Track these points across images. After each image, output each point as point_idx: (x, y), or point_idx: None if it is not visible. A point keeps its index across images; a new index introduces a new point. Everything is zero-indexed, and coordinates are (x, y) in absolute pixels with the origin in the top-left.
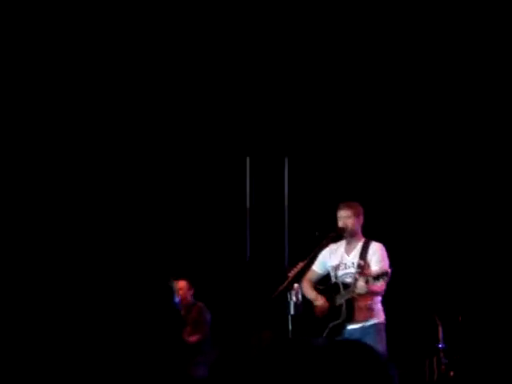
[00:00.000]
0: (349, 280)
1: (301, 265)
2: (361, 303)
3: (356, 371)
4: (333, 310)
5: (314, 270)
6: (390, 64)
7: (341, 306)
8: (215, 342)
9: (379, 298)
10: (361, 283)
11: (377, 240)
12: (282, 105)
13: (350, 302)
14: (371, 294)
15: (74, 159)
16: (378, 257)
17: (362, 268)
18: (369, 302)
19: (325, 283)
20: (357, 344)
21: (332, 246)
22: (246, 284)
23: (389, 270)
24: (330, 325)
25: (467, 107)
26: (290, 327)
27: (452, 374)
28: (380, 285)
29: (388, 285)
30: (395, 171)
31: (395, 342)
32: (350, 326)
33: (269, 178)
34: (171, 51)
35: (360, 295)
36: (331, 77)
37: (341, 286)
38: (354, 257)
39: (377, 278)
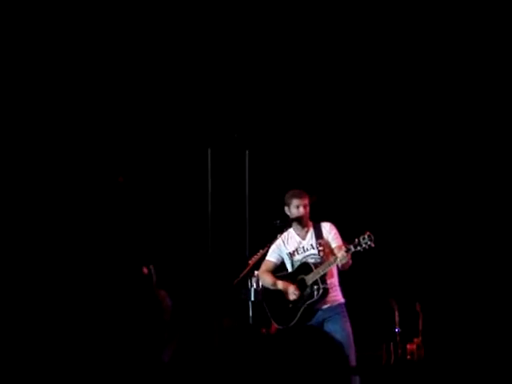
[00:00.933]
0: (312, 261)
1: (261, 252)
2: (333, 281)
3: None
4: (304, 292)
5: (269, 261)
6: (352, 52)
7: (312, 285)
8: (177, 328)
9: (337, 279)
10: (342, 252)
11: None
12: (244, 98)
13: (323, 282)
14: (345, 266)
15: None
16: (333, 234)
17: (324, 246)
18: (333, 281)
19: (279, 271)
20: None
21: (283, 235)
22: (207, 271)
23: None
24: (302, 308)
25: (451, 105)
26: (251, 313)
27: (409, 357)
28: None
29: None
30: (351, 164)
31: (352, 326)
32: (323, 306)
33: (230, 170)
34: (136, 44)
35: (343, 264)
36: (291, 70)
37: (312, 266)
38: (309, 239)
39: (349, 249)
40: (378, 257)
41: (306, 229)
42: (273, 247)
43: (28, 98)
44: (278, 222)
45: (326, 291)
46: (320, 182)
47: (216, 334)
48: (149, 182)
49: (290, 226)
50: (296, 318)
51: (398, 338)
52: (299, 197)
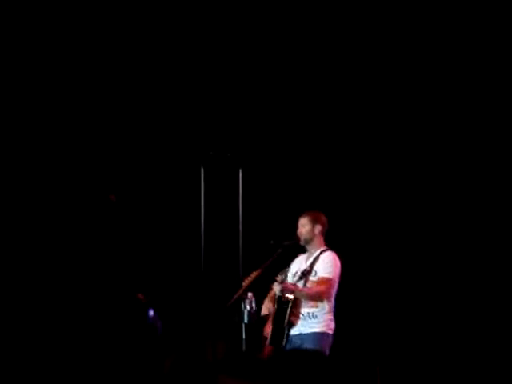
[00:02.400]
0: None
1: (255, 274)
2: (297, 310)
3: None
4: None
5: None
6: (343, 76)
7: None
8: (168, 351)
9: (326, 309)
10: (276, 283)
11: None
12: (237, 116)
13: (290, 307)
14: (307, 296)
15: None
16: (325, 264)
17: (306, 274)
18: (313, 312)
19: None
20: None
21: (300, 256)
22: (200, 293)
23: (321, 277)
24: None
25: (449, 108)
26: (244, 336)
27: None
28: (308, 289)
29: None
30: (347, 184)
31: (347, 348)
32: (292, 332)
33: (223, 189)
34: (128, 62)
35: (284, 296)
36: (284, 89)
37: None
38: (308, 264)
39: (299, 278)
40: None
41: (312, 253)
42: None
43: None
44: (272, 242)
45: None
46: (314, 200)
47: (209, 357)
48: (141, 200)
49: (284, 247)
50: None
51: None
52: (300, 216)
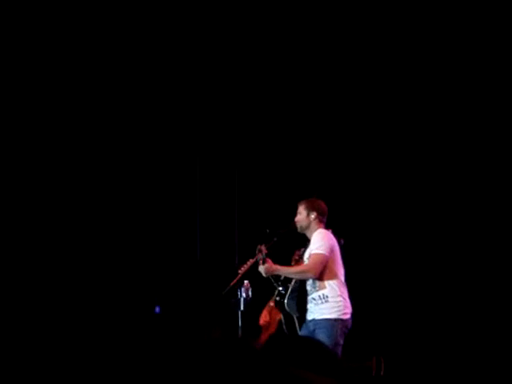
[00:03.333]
0: None
1: (251, 261)
2: (321, 294)
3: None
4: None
5: None
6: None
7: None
8: (165, 339)
9: (335, 289)
10: (259, 266)
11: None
12: (233, 120)
13: (291, 297)
14: (289, 273)
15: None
16: (315, 242)
17: (298, 259)
18: (324, 292)
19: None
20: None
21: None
22: (196, 281)
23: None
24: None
25: (447, 111)
26: (240, 323)
27: None
28: (292, 267)
29: None
30: (339, 185)
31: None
32: (309, 317)
33: (219, 177)
34: (125, 57)
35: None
36: (280, 91)
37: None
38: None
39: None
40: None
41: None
42: None
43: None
44: (268, 230)
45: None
46: (311, 188)
47: (205, 344)
48: (139, 190)
49: (280, 235)
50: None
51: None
52: (298, 203)
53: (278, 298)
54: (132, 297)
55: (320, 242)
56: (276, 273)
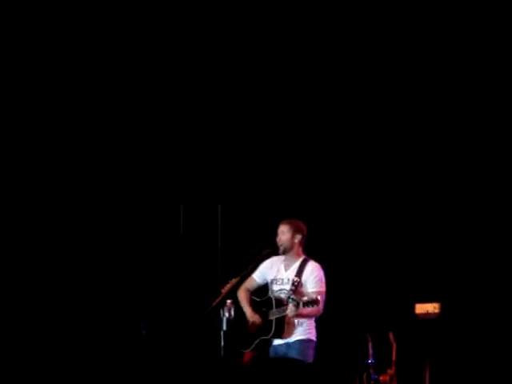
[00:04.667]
0: (283, 296)
1: (234, 281)
2: (291, 321)
3: None
4: (264, 325)
5: (253, 279)
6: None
7: (271, 321)
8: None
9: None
10: (291, 307)
11: (315, 259)
12: (215, 156)
13: (281, 320)
14: (304, 316)
15: None
16: (314, 278)
17: (296, 285)
18: (300, 320)
19: (262, 294)
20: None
21: (273, 258)
22: (179, 300)
23: (319, 297)
24: (258, 339)
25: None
26: (223, 343)
27: None
28: (311, 309)
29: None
30: (325, 195)
31: (326, 357)
32: (276, 342)
33: (202, 223)
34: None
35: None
36: (261, 124)
37: (274, 303)
38: (290, 273)
39: (307, 303)
40: (353, 288)
41: (292, 261)
42: (260, 267)
43: None
44: (252, 249)
45: (280, 332)
46: (292, 209)
47: (190, 364)
48: (122, 236)
49: (263, 255)
50: (250, 347)
51: (370, 370)
52: (281, 223)
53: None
54: (116, 317)
55: (322, 279)
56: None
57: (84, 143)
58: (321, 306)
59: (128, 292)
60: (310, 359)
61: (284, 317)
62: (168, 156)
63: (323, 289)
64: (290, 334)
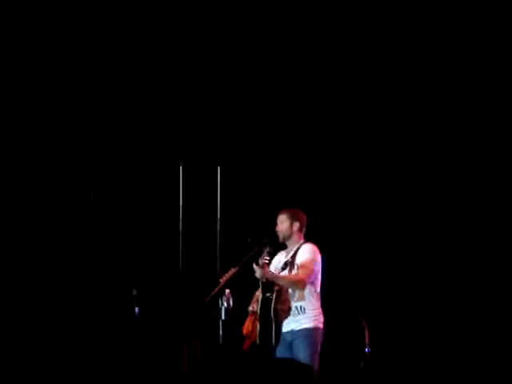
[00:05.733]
0: None
1: (232, 271)
2: (284, 306)
3: None
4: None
5: None
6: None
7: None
8: (146, 347)
9: (313, 301)
10: (255, 267)
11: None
12: (215, 115)
13: (275, 306)
14: (282, 281)
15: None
16: (303, 253)
17: (289, 265)
18: (303, 304)
19: None
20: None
21: (281, 252)
22: (178, 290)
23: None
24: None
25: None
26: (221, 332)
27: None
28: (288, 275)
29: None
30: (326, 182)
31: (323, 347)
32: (284, 329)
33: (201, 185)
34: (108, 54)
35: (267, 280)
36: (263, 86)
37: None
38: (287, 258)
39: (283, 268)
40: (350, 277)
41: (291, 247)
42: (272, 262)
43: None
44: (250, 239)
45: (271, 289)
46: (291, 198)
47: (186, 352)
48: (121, 198)
49: (261, 244)
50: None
51: (367, 358)
52: (279, 212)
53: (261, 307)
54: (114, 305)
55: (311, 255)
56: (270, 278)
57: (80, 102)
58: (302, 276)
59: (125, 279)
60: (317, 347)
61: (276, 300)
62: (168, 115)
63: (310, 262)
64: (298, 320)
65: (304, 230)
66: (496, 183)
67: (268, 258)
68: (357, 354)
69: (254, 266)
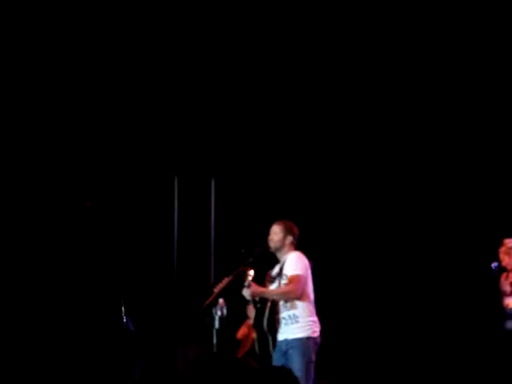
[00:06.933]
0: None
1: (226, 280)
2: (292, 314)
3: None
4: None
5: None
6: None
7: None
8: (140, 356)
9: (306, 310)
10: (244, 288)
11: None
12: (210, 128)
13: (270, 316)
14: (271, 295)
15: None
16: (290, 263)
17: (277, 277)
18: (295, 312)
19: None
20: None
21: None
22: (172, 299)
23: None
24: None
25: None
26: (215, 341)
27: None
28: (276, 288)
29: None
30: (317, 193)
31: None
32: (279, 337)
33: (196, 198)
34: (101, 65)
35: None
36: (256, 99)
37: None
38: (279, 270)
39: (271, 281)
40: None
41: (282, 259)
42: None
43: None
44: (243, 250)
45: (272, 327)
46: (284, 209)
47: (180, 361)
48: (116, 208)
49: (255, 255)
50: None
51: None
52: (274, 223)
53: (255, 317)
54: (109, 314)
55: (297, 263)
56: (260, 296)
57: (75, 115)
58: (291, 286)
59: (120, 288)
60: (311, 357)
61: (271, 311)
62: (163, 128)
63: (297, 272)
64: (291, 330)
65: (296, 243)
66: (481, 186)
67: (252, 274)
68: (353, 361)
69: (243, 291)
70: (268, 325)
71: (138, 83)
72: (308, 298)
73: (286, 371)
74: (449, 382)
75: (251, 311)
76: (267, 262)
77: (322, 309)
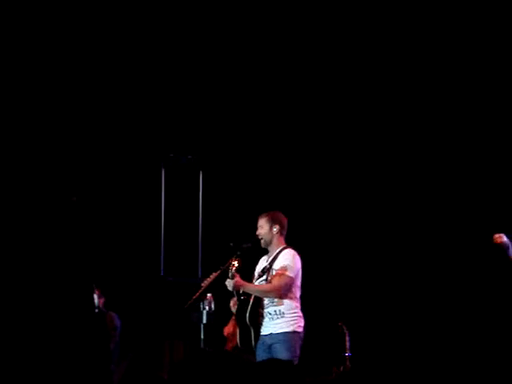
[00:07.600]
0: None
1: (214, 275)
2: (261, 310)
3: None
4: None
5: None
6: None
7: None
8: (127, 351)
9: (292, 306)
10: (228, 280)
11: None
12: (198, 119)
13: (253, 309)
14: (254, 291)
15: None
16: (281, 261)
17: (266, 272)
18: (281, 308)
19: None
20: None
21: (263, 257)
22: (159, 294)
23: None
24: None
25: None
26: (202, 336)
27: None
28: (259, 285)
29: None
30: (308, 186)
31: (303, 350)
32: (263, 332)
33: (183, 190)
34: (90, 55)
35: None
36: (244, 91)
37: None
38: (267, 264)
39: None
40: (330, 281)
41: (272, 252)
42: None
43: None
44: (232, 244)
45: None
46: (273, 202)
47: (167, 356)
48: (103, 201)
49: (243, 249)
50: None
51: (347, 363)
52: (259, 217)
53: (238, 309)
54: (96, 310)
55: (290, 263)
56: (242, 289)
57: (62, 104)
58: (275, 287)
59: (106, 284)
60: (296, 351)
61: (254, 305)
62: (151, 118)
63: (287, 272)
64: (276, 324)
65: (284, 232)
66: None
67: (237, 265)
68: (337, 358)
69: (226, 281)
70: (250, 318)
71: (126, 75)
72: (294, 294)
73: (285, 363)
74: (441, 378)
75: (235, 307)
76: (256, 257)
77: (312, 305)
